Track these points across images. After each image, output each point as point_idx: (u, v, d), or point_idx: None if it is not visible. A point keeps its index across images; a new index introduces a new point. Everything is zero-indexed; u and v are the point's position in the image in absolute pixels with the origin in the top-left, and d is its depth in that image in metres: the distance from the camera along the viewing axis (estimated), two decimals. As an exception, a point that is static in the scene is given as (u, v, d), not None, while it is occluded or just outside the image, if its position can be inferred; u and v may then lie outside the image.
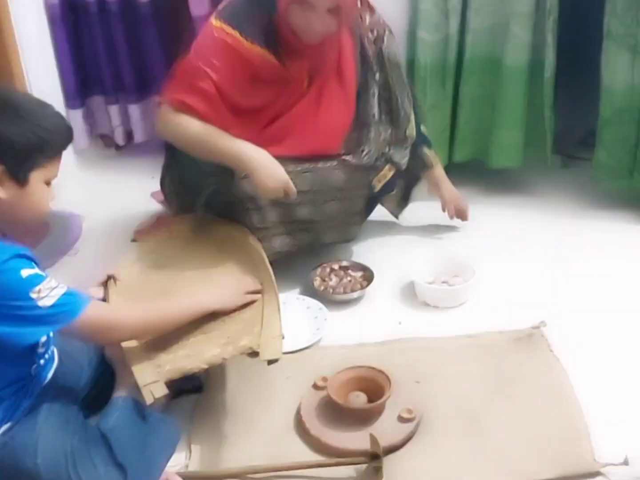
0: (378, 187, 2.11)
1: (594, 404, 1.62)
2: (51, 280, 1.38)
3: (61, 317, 1.38)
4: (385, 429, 1.57)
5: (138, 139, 2.90)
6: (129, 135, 2.93)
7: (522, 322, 1.88)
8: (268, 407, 1.68)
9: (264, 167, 1.86)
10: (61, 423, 1.44)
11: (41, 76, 2.61)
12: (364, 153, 2.04)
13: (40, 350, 1.53)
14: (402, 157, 2.11)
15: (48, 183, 1.45)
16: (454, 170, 2.42)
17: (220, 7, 1.93)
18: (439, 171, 2.28)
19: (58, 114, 1.47)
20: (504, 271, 2.12)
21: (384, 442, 1.52)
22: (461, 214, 2.30)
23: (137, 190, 2.61)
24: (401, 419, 1.60)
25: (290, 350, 1.82)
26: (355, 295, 2.02)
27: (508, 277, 2.10)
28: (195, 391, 1.74)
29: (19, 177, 1.38)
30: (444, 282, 2.05)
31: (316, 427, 1.60)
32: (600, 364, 1.75)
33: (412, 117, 2.11)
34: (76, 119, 2.78)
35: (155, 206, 2.52)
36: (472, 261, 2.06)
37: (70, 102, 2.77)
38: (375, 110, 2.04)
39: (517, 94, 2.33)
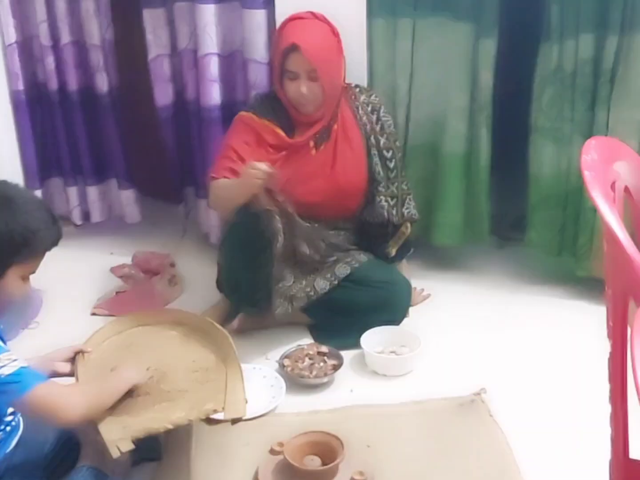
0: (393, 251, 2.36)
1: (532, 466, 1.73)
2: (12, 353, 1.46)
3: (14, 388, 1.44)
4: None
5: (95, 219, 3.01)
6: (85, 215, 3.03)
7: (464, 389, 2.01)
8: (228, 473, 1.75)
9: None
10: None
11: (4, 157, 2.72)
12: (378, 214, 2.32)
13: (8, 418, 1.59)
14: (415, 210, 2.37)
15: (25, 278, 1.52)
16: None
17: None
18: None
19: (49, 215, 1.52)
20: (448, 342, 2.27)
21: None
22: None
23: (96, 265, 2.70)
24: (352, 482, 1.69)
25: (248, 417, 1.91)
26: (325, 379, 2.08)
27: (451, 348, 2.24)
28: (154, 459, 1.80)
29: None
30: (392, 352, 2.18)
31: (273, 490, 1.68)
32: (536, 426, 1.88)
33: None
34: (35, 198, 2.89)
35: (115, 281, 2.60)
36: (417, 332, 2.21)
37: (29, 183, 2.87)
38: (380, 168, 2.30)
39: (455, 180, 2.54)
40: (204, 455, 1.80)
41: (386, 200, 2.31)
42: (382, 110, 2.34)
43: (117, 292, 2.53)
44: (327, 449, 1.73)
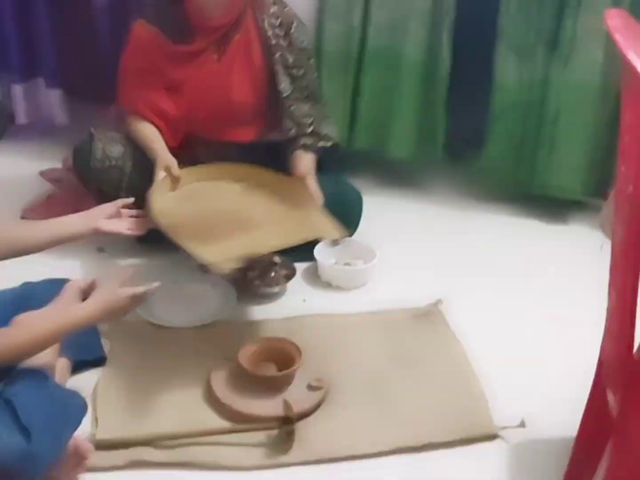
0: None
1: (490, 372, 1.71)
2: None
3: None
4: (296, 396, 1.58)
5: (20, 121, 2.77)
6: (10, 116, 2.79)
7: (421, 300, 1.96)
8: (176, 379, 1.65)
9: None
10: None
11: None
12: (288, 128, 2.08)
13: None
14: (332, 131, 2.15)
15: None
16: (352, 158, 2.49)
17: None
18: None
19: None
20: (402, 255, 2.19)
21: (295, 408, 1.53)
22: None
23: (24, 170, 2.49)
24: (310, 388, 1.61)
25: (198, 324, 1.81)
26: (276, 289, 1.99)
27: (406, 261, 2.17)
28: (97, 364, 1.68)
29: None
30: (345, 263, 2.09)
31: (227, 396, 1.58)
32: (493, 335, 1.85)
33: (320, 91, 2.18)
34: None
35: (45, 185, 2.41)
36: (372, 245, 2.12)
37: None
38: (284, 86, 2.07)
39: (412, 89, 2.42)
40: (150, 363, 1.69)
41: (297, 118, 2.09)
42: (294, 25, 2.09)
43: (48, 196, 2.35)
44: (283, 356, 1.65)
